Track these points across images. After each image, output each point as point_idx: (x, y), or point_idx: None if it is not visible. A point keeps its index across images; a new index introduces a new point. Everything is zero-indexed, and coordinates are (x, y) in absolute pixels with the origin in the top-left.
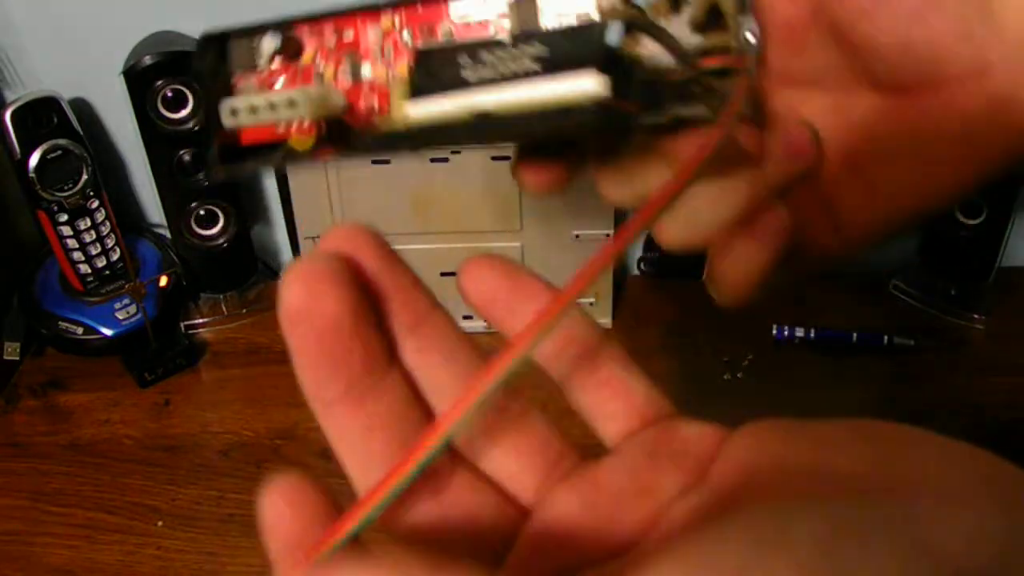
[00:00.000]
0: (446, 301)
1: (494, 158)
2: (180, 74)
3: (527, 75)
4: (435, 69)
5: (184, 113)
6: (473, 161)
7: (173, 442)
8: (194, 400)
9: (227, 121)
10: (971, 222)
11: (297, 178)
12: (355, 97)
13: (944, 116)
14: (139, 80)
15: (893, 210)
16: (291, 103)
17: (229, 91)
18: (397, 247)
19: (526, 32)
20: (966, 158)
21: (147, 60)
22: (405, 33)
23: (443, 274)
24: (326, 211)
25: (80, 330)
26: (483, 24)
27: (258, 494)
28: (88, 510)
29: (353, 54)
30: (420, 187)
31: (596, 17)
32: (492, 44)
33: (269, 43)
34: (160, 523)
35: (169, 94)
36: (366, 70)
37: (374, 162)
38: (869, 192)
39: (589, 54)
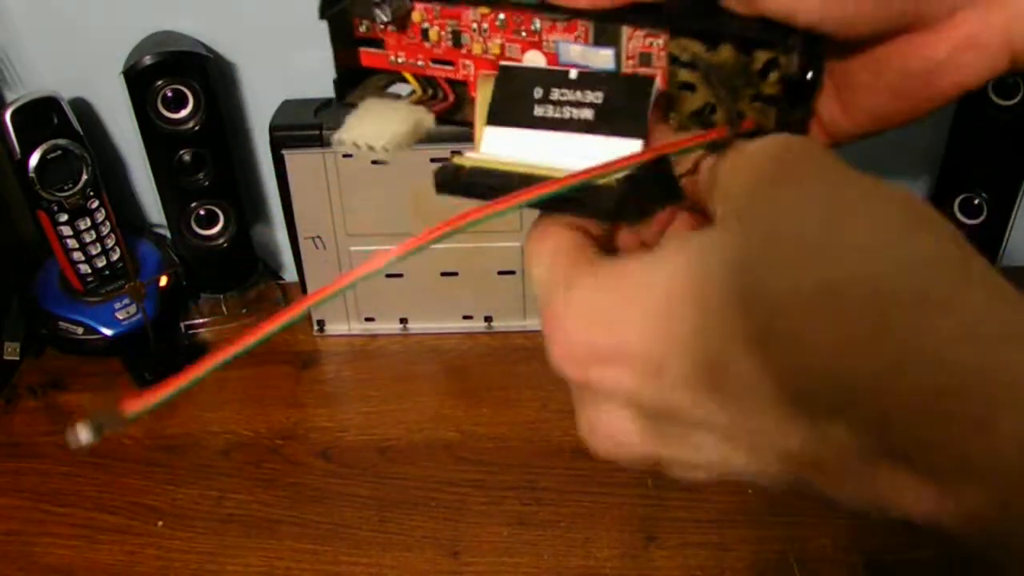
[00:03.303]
0: (446, 301)
1: None
2: (180, 74)
3: (580, 126)
4: (512, 95)
5: (184, 113)
6: None
7: (173, 442)
8: (194, 400)
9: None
10: (971, 222)
11: (297, 178)
12: (454, 56)
13: (914, 56)
14: (139, 80)
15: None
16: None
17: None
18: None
19: (592, 73)
20: (927, 94)
21: (147, 60)
22: (501, 15)
23: (443, 274)
24: (326, 211)
25: (80, 330)
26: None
27: (258, 494)
28: (88, 510)
29: (455, 22)
30: (420, 187)
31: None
32: (561, 79)
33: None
34: (160, 523)
35: (169, 94)
36: (465, 39)
37: (374, 162)
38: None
39: (634, 122)
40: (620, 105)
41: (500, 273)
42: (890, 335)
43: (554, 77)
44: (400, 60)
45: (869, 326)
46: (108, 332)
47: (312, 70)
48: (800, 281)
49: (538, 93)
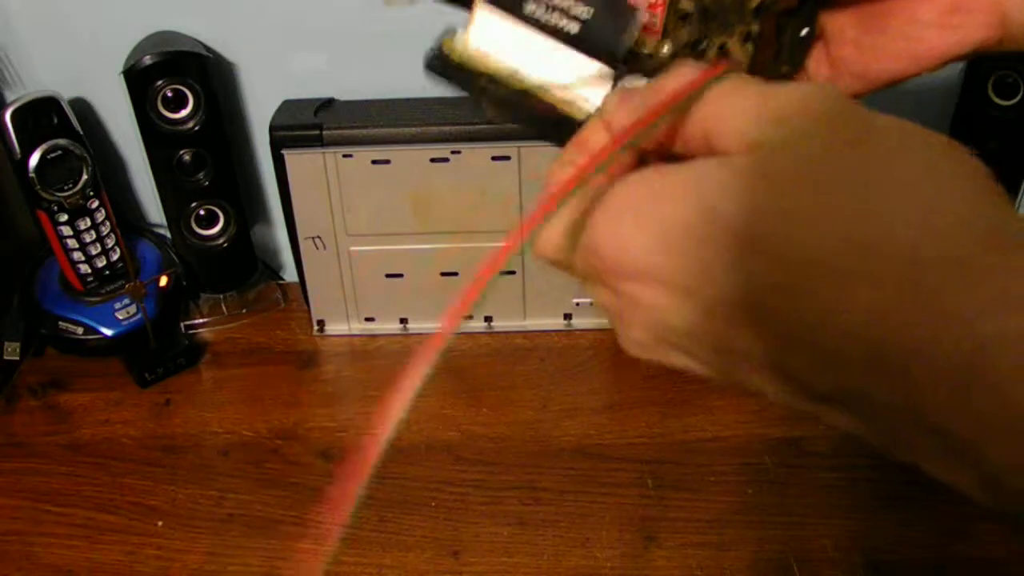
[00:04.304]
0: (446, 301)
1: (494, 158)
2: (180, 74)
3: (563, 36)
4: None
5: (184, 113)
6: (473, 161)
7: (173, 442)
8: (194, 400)
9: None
10: None
11: (297, 178)
12: None
13: (901, 17)
14: (139, 80)
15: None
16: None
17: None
18: (397, 247)
19: None
20: (913, 55)
21: (147, 60)
22: None
23: (443, 274)
24: (326, 211)
25: (80, 330)
26: None
27: (258, 494)
28: (88, 510)
29: None
30: (420, 187)
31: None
32: None
33: None
34: (160, 523)
35: (169, 94)
36: None
37: (374, 162)
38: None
39: (610, 51)
40: (602, 28)
41: (500, 273)
42: (927, 303)
43: None
44: None
45: (906, 291)
46: (108, 332)
47: (312, 70)
48: (830, 237)
49: None
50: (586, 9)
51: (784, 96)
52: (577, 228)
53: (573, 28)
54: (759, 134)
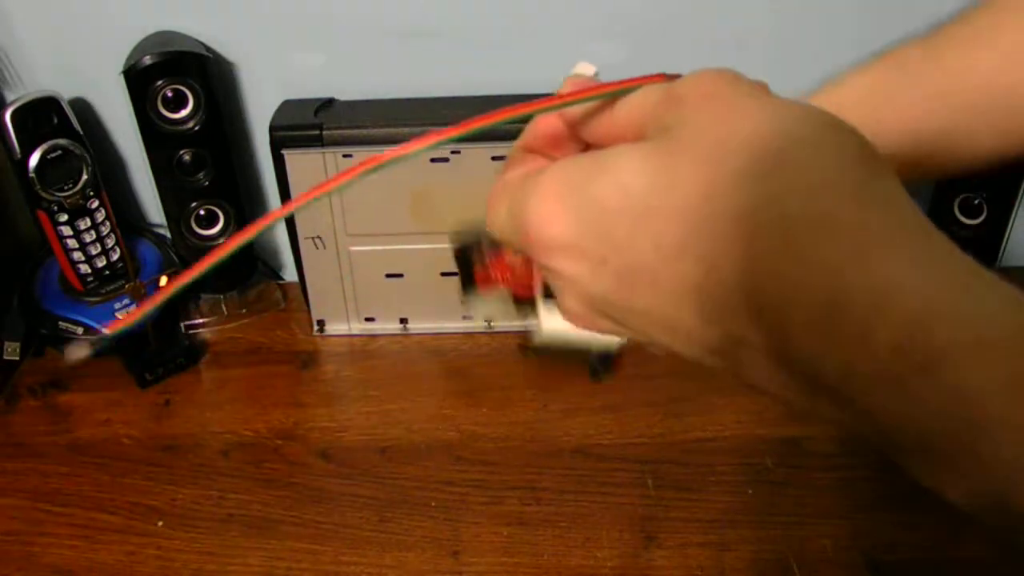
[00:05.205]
0: (446, 301)
1: (494, 158)
2: (180, 74)
3: None
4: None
5: (184, 113)
6: (473, 161)
7: (173, 442)
8: (194, 400)
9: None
10: (971, 222)
11: (297, 178)
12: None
13: None
14: (139, 80)
15: None
16: None
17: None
18: (397, 247)
19: None
20: None
21: (147, 60)
22: None
23: (443, 274)
24: (326, 211)
25: (80, 330)
26: None
27: (258, 494)
28: (88, 510)
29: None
30: (420, 187)
31: None
32: None
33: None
34: (160, 523)
35: (169, 94)
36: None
37: None
38: None
39: None
40: None
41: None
42: (793, 254)
43: None
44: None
45: (777, 245)
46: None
47: (312, 70)
48: (717, 203)
49: None
50: None
51: (681, 82)
52: (515, 207)
53: None
54: (663, 117)
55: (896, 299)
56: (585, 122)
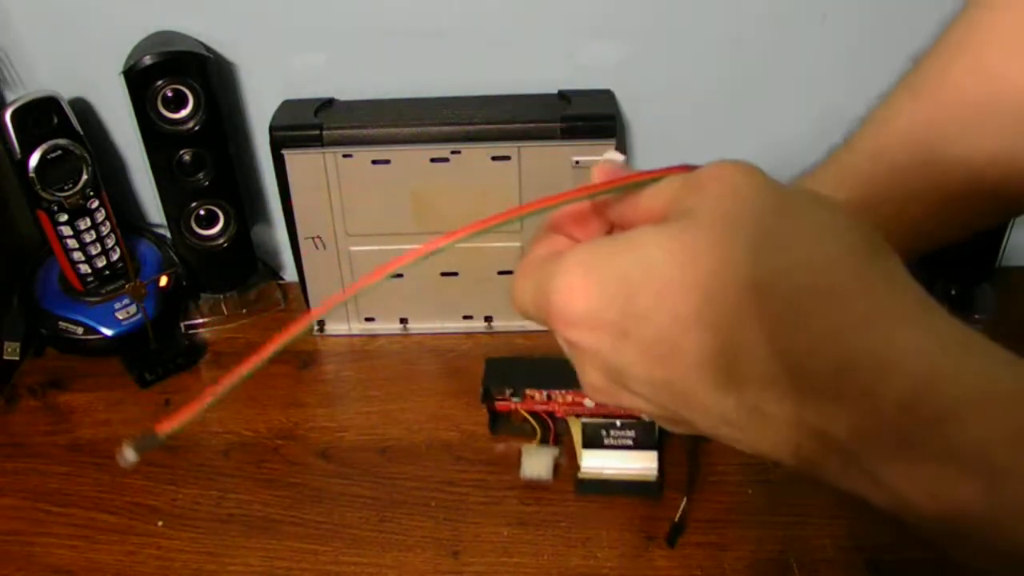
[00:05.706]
0: (446, 301)
1: (494, 158)
2: (180, 74)
3: (629, 446)
4: (593, 430)
5: (184, 113)
6: (473, 161)
7: (173, 442)
8: (194, 400)
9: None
10: None
11: (297, 178)
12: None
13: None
14: (139, 80)
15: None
16: None
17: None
18: (397, 247)
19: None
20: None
21: (147, 60)
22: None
23: (443, 274)
24: (326, 211)
25: (80, 330)
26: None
27: (258, 494)
28: (88, 510)
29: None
30: (420, 187)
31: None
32: (612, 426)
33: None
34: (160, 523)
35: (169, 94)
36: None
37: (374, 162)
38: None
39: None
40: (646, 439)
41: (500, 273)
42: (803, 322)
43: (610, 423)
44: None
45: (787, 314)
46: (108, 332)
47: (312, 70)
48: (732, 276)
49: (604, 433)
50: (633, 432)
51: (702, 170)
52: (541, 283)
53: (629, 440)
54: (685, 201)
55: (902, 360)
56: (611, 204)
